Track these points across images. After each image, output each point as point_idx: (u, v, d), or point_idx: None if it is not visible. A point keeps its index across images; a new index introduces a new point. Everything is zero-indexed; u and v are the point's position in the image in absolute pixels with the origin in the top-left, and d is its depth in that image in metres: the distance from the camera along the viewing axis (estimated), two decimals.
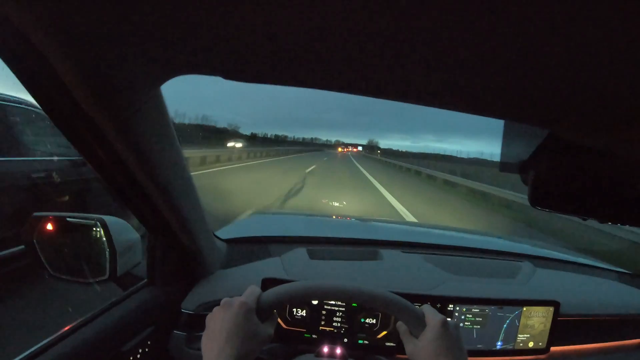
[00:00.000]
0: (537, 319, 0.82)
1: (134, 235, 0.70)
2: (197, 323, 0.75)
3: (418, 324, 0.51)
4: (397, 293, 0.53)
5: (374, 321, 0.77)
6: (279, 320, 0.76)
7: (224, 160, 13.83)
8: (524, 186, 0.35)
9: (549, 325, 0.82)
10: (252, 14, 0.22)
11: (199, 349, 0.47)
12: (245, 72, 0.34)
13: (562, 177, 0.33)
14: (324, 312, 0.78)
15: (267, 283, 0.76)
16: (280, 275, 0.83)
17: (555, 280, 0.99)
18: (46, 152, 2.49)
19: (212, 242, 0.82)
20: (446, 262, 0.97)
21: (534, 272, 0.98)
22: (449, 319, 0.51)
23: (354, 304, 0.77)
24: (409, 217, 5.59)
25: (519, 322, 0.81)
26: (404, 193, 9.35)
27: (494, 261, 1.05)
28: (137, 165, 0.47)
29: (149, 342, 0.68)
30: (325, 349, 0.70)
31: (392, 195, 8.21)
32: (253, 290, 0.51)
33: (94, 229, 0.67)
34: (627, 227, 1.27)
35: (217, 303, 0.49)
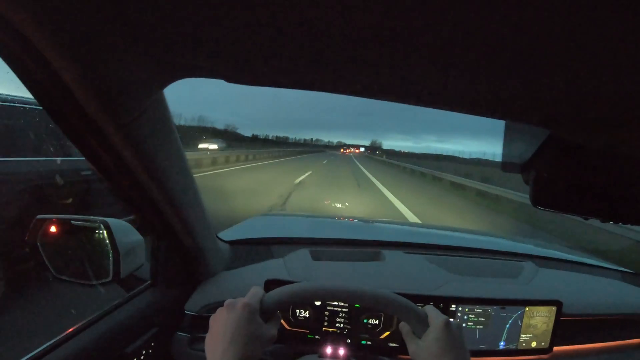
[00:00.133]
0: (540, 319, 0.81)
1: (137, 237, 0.71)
2: (200, 324, 0.75)
3: (421, 325, 0.51)
4: (399, 294, 0.53)
5: (377, 322, 0.77)
6: (282, 321, 0.76)
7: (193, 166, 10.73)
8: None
9: (551, 325, 0.82)
10: (253, 18, 0.22)
11: (202, 351, 0.47)
12: (247, 75, 0.34)
13: (563, 176, 0.33)
14: (327, 313, 0.78)
15: (270, 284, 0.76)
16: (283, 276, 0.83)
17: (557, 280, 0.99)
18: (50, 153, 2.50)
19: (215, 243, 0.82)
20: (448, 262, 0.97)
21: (536, 272, 0.98)
22: (451, 319, 0.51)
23: (356, 305, 0.77)
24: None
25: (521, 322, 0.81)
26: (411, 197, 8.60)
27: (497, 261, 1.05)
28: (140, 168, 0.47)
29: (152, 344, 0.68)
30: (329, 350, 0.70)
31: (403, 203, 7.15)
32: (256, 292, 0.51)
33: (98, 231, 0.68)
34: (629, 226, 1.26)
35: (220, 304, 0.50)
